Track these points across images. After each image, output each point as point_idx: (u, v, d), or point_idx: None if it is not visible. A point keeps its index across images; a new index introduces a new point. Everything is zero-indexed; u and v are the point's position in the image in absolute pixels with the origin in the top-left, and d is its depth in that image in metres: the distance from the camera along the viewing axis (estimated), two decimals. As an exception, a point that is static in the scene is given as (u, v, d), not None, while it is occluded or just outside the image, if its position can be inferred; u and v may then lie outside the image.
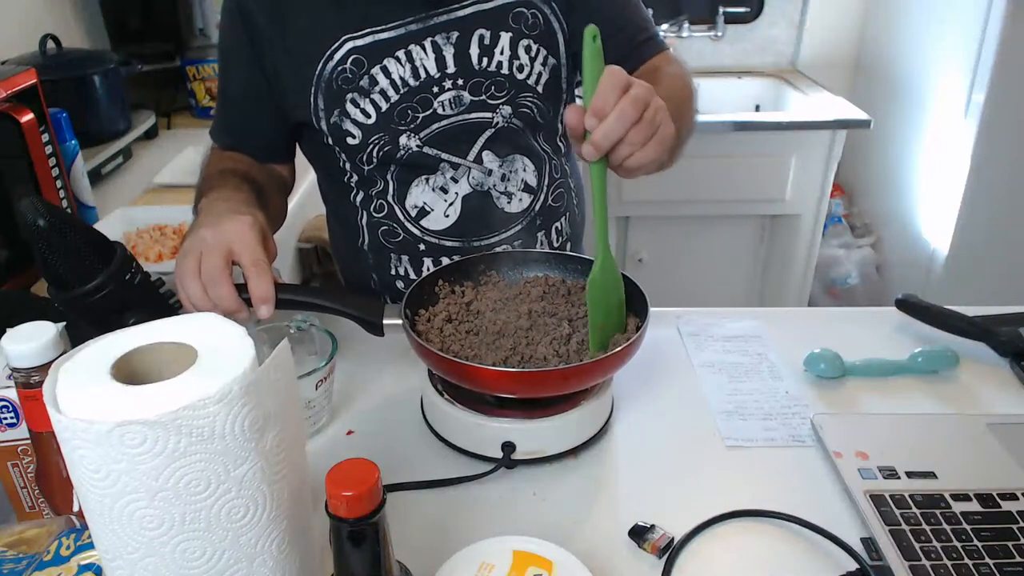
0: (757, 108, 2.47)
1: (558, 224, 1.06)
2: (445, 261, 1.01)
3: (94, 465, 0.42)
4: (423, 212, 1.00)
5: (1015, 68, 1.89)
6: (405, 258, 1.03)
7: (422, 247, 1.02)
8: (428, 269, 1.02)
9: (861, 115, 2.05)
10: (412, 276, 1.03)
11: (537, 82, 0.96)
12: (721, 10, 2.43)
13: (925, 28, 2.19)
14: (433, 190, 0.98)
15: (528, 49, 0.94)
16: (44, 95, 1.19)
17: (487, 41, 0.92)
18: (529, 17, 0.93)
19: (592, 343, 0.76)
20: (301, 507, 0.51)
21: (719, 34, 2.45)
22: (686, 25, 2.44)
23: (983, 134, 1.97)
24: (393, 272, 1.04)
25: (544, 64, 0.96)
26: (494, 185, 0.99)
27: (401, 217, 1.00)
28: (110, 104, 1.63)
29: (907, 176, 2.30)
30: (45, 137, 1.17)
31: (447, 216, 1.00)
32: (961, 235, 2.08)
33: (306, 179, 1.48)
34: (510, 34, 0.93)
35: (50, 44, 1.53)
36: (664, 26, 2.42)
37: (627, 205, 2.18)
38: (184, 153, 1.63)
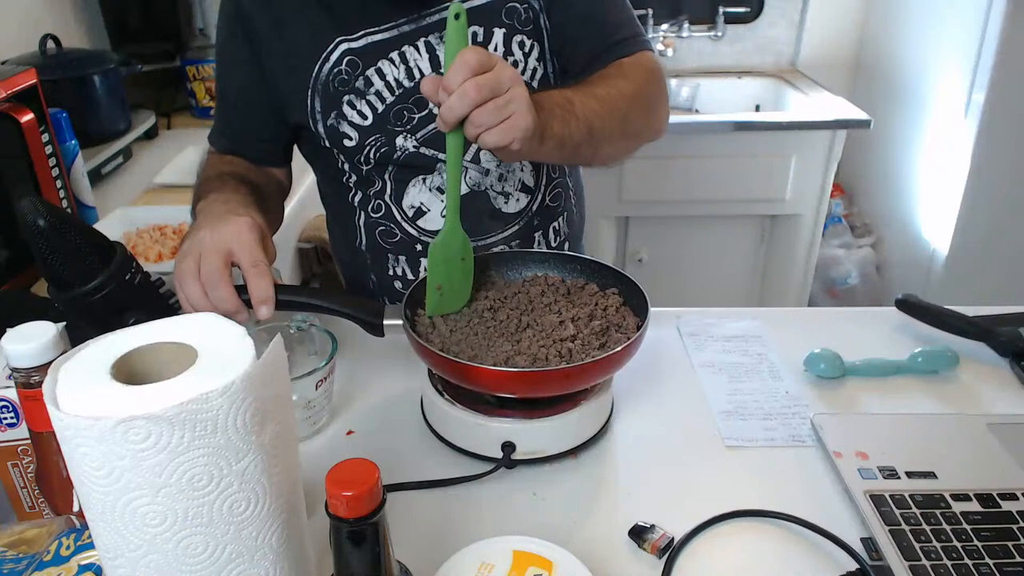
0: (757, 108, 2.47)
1: (555, 224, 1.06)
2: None
3: (97, 463, 0.42)
4: (420, 212, 1.00)
5: (1015, 68, 1.89)
6: (403, 258, 1.03)
7: (419, 247, 1.02)
8: (425, 270, 1.02)
9: (861, 115, 2.05)
10: (410, 276, 1.04)
11: (532, 78, 0.96)
12: (721, 10, 2.42)
13: (925, 28, 2.19)
14: (430, 190, 0.98)
15: (522, 45, 0.94)
16: (44, 95, 1.19)
17: (480, 38, 0.92)
18: (522, 12, 0.93)
19: (428, 304, 0.80)
20: (297, 501, 0.52)
21: (719, 34, 2.45)
22: (686, 25, 2.44)
23: (983, 134, 1.97)
24: (391, 272, 1.04)
25: (539, 60, 0.96)
26: (491, 185, 0.99)
27: (398, 217, 1.00)
28: (110, 104, 1.63)
29: (907, 176, 2.30)
30: (45, 137, 1.17)
31: (444, 216, 0.99)
32: (961, 235, 2.08)
33: (306, 179, 1.48)
34: (503, 30, 0.92)
35: (50, 44, 1.53)
36: (664, 26, 2.42)
37: (627, 205, 2.18)
38: (184, 153, 1.63)
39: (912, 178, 2.28)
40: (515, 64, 0.94)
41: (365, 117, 0.93)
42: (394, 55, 0.91)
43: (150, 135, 1.80)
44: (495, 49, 0.93)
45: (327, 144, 0.96)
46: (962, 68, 2.01)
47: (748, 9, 2.46)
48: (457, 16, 0.68)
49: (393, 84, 0.92)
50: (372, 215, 1.02)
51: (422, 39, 0.91)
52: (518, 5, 0.93)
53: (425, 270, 1.02)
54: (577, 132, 0.81)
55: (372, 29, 0.90)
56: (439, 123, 0.71)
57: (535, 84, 0.97)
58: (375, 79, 0.92)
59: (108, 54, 1.72)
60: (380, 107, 0.93)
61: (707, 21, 2.47)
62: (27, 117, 1.13)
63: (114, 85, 1.62)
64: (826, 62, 2.50)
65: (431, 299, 0.80)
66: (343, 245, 1.09)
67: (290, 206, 1.47)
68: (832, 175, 2.13)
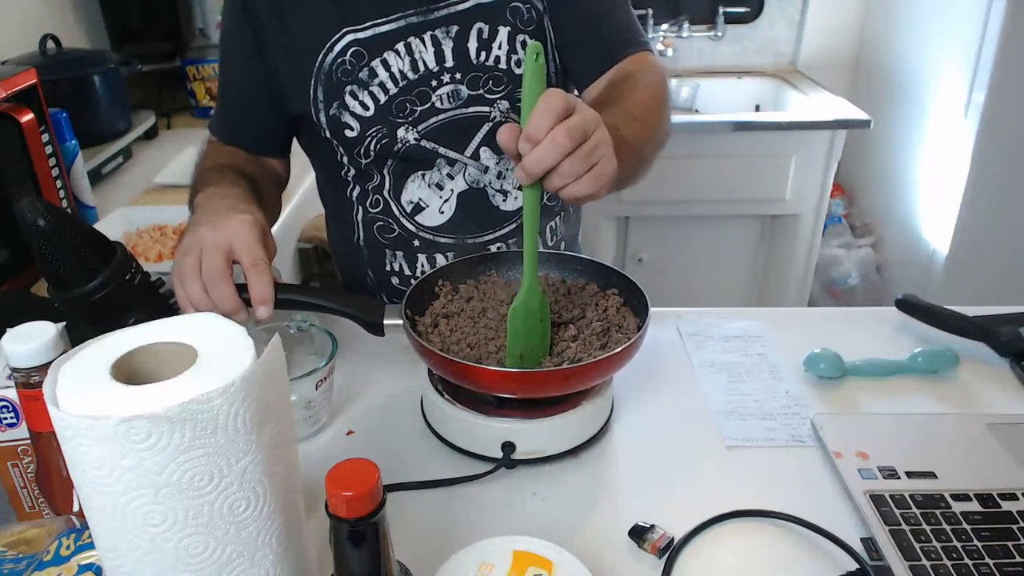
0: (757, 108, 2.47)
1: (552, 223, 1.06)
2: (439, 258, 1.02)
3: (97, 462, 0.42)
4: (418, 208, 1.00)
5: (1015, 68, 1.89)
6: (400, 254, 1.03)
7: (416, 243, 1.02)
8: (422, 265, 1.03)
9: (861, 115, 2.05)
10: (407, 272, 1.04)
11: None
12: (721, 10, 2.43)
13: (925, 28, 2.19)
14: (429, 186, 0.99)
15: (525, 44, 0.94)
16: (44, 95, 1.19)
17: (485, 35, 0.93)
18: (525, 12, 0.94)
19: None
20: (296, 501, 0.52)
21: (719, 34, 2.45)
22: (686, 25, 2.44)
23: (983, 134, 1.97)
24: (388, 268, 1.05)
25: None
26: (490, 183, 0.99)
27: (396, 213, 1.01)
28: (110, 104, 1.63)
29: (907, 176, 2.30)
30: (45, 137, 1.17)
31: (442, 213, 1.00)
32: (961, 235, 2.08)
33: (306, 179, 1.48)
34: (508, 28, 0.93)
35: (50, 44, 1.53)
36: (664, 26, 2.42)
37: (627, 205, 2.18)
38: (184, 153, 1.63)
39: (912, 178, 2.28)
40: (518, 63, 0.94)
41: (367, 108, 0.93)
42: (400, 46, 0.92)
43: (150, 135, 1.80)
44: (499, 47, 0.93)
45: (328, 135, 0.96)
46: (962, 68, 2.01)
47: (748, 9, 2.46)
48: (537, 56, 0.61)
49: (397, 75, 0.92)
50: (370, 210, 1.02)
51: (428, 32, 0.92)
52: (521, 5, 0.93)
53: (422, 269, 1.02)
54: (631, 159, 0.78)
55: (379, 20, 0.91)
56: (520, 176, 0.63)
57: None
58: (380, 70, 0.92)
59: (108, 54, 1.72)
60: (383, 98, 0.93)
61: (707, 21, 2.47)
62: (27, 117, 1.13)
63: (114, 85, 1.62)
64: (826, 62, 2.50)
65: (511, 367, 0.74)
66: (340, 241, 1.10)
67: (290, 206, 1.47)
68: (832, 175, 2.13)
